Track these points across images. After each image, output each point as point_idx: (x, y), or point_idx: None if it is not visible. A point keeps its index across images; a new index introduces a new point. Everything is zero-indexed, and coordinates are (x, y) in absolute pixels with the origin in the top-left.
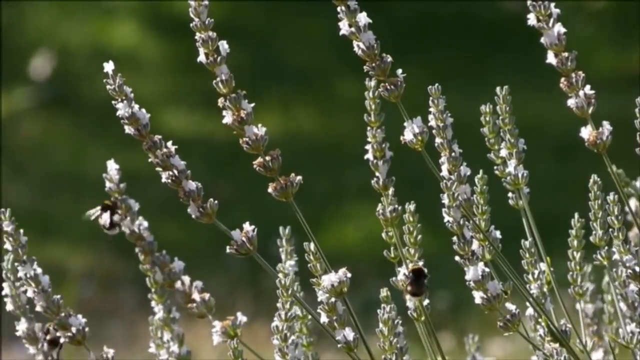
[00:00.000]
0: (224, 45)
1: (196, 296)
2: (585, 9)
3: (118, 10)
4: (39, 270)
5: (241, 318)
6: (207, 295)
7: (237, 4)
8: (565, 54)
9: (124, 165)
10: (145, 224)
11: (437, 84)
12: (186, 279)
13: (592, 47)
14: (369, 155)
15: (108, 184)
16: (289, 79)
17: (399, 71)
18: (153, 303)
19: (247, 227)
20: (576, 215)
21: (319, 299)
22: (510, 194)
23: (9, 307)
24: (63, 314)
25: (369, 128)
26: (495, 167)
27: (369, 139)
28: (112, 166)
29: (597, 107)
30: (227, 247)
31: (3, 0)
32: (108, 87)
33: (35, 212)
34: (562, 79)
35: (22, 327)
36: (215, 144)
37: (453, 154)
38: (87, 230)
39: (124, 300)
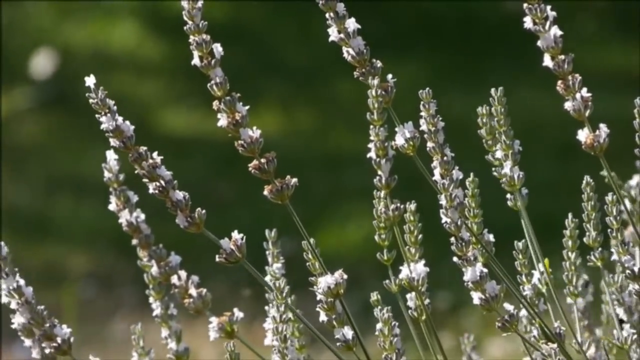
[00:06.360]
0: (217, 48)
1: (192, 291)
2: (587, 8)
3: (118, 10)
4: (22, 282)
5: (238, 314)
6: (203, 290)
7: (238, 4)
8: (562, 57)
9: (123, 166)
10: (143, 216)
11: (427, 88)
12: (182, 273)
13: (594, 46)
14: (372, 154)
15: (107, 174)
16: (289, 79)
17: (389, 76)
18: (151, 299)
19: (236, 235)
20: (570, 215)
21: (317, 298)
22: (508, 195)
23: None
24: (48, 325)
25: (371, 126)
26: (493, 168)
27: (372, 137)
28: (111, 156)
29: (599, 107)
30: (217, 256)
31: (3, 0)
32: (91, 100)
33: (35, 212)
34: (559, 82)
35: None
36: (216, 144)
37: (445, 157)
38: (88, 231)
39: (125, 301)
